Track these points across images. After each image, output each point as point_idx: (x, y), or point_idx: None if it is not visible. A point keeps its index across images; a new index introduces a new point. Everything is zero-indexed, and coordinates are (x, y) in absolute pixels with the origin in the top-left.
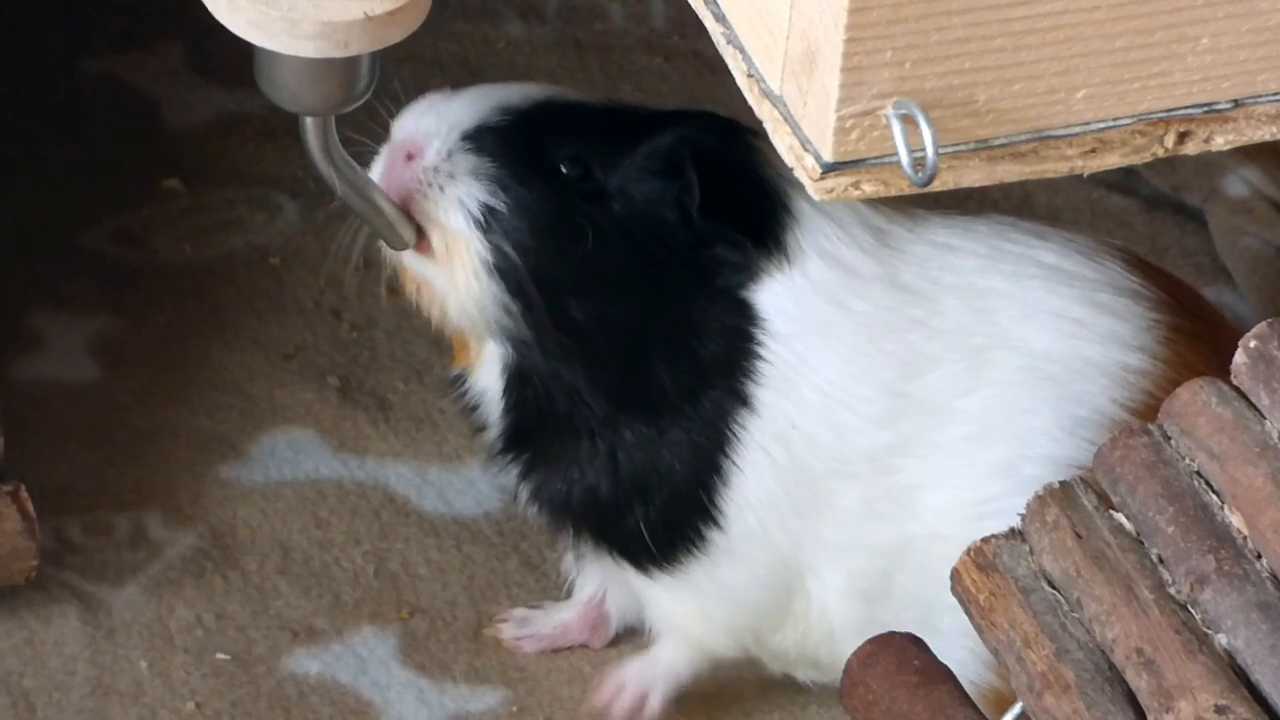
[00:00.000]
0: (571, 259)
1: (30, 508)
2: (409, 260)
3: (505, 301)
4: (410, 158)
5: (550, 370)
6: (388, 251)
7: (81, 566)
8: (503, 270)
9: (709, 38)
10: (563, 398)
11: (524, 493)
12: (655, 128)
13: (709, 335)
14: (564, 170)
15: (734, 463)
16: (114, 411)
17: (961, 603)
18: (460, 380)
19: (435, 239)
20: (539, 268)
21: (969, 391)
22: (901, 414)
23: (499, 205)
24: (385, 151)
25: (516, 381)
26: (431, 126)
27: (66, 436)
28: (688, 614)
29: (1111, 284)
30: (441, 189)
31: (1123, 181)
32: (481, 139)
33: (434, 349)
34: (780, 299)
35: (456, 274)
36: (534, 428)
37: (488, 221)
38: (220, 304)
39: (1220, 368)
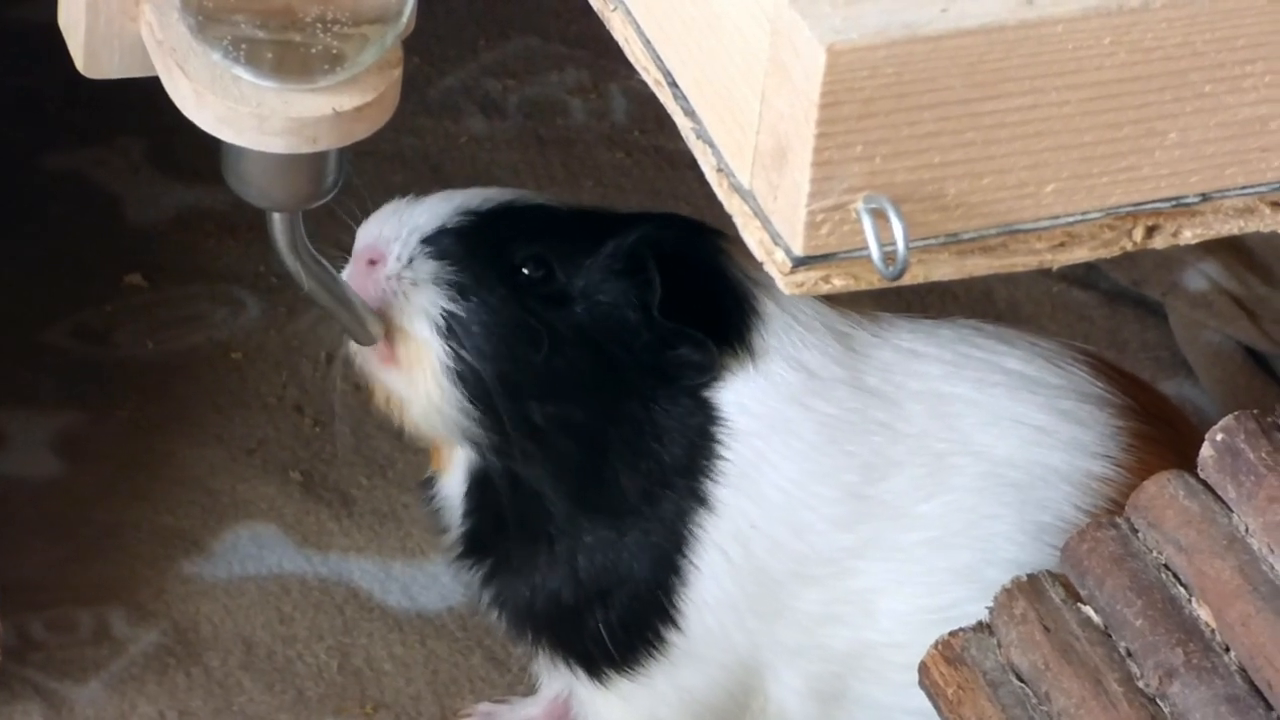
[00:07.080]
0: (531, 364)
1: None
2: (376, 371)
3: (466, 407)
4: (372, 264)
5: (512, 474)
6: (359, 364)
7: (44, 663)
8: (463, 376)
9: (670, 132)
10: (524, 501)
11: (485, 598)
12: (618, 228)
13: (670, 435)
14: (526, 272)
15: (692, 563)
16: (76, 507)
17: (930, 696)
18: (430, 482)
19: (399, 346)
20: (499, 373)
21: (931, 496)
22: (863, 517)
23: (460, 311)
24: (351, 259)
25: (479, 486)
26: (392, 232)
27: (29, 533)
28: None
29: (1076, 390)
30: (406, 297)
31: (1083, 276)
32: (441, 242)
33: (396, 444)
34: (742, 397)
35: (418, 381)
36: (494, 532)
37: (450, 328)
38: (182, 399)
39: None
